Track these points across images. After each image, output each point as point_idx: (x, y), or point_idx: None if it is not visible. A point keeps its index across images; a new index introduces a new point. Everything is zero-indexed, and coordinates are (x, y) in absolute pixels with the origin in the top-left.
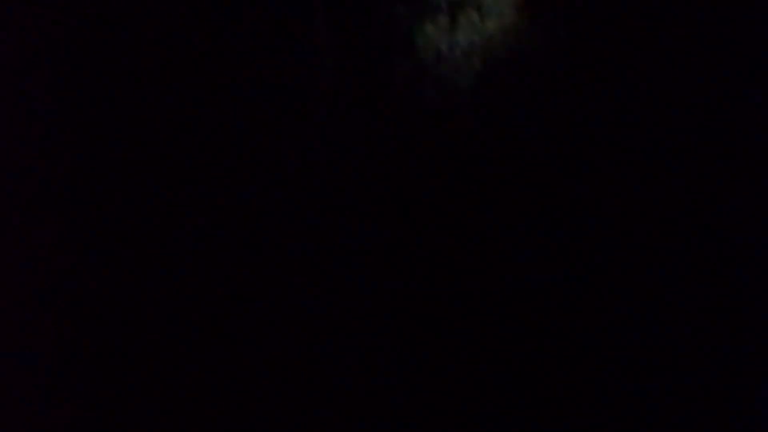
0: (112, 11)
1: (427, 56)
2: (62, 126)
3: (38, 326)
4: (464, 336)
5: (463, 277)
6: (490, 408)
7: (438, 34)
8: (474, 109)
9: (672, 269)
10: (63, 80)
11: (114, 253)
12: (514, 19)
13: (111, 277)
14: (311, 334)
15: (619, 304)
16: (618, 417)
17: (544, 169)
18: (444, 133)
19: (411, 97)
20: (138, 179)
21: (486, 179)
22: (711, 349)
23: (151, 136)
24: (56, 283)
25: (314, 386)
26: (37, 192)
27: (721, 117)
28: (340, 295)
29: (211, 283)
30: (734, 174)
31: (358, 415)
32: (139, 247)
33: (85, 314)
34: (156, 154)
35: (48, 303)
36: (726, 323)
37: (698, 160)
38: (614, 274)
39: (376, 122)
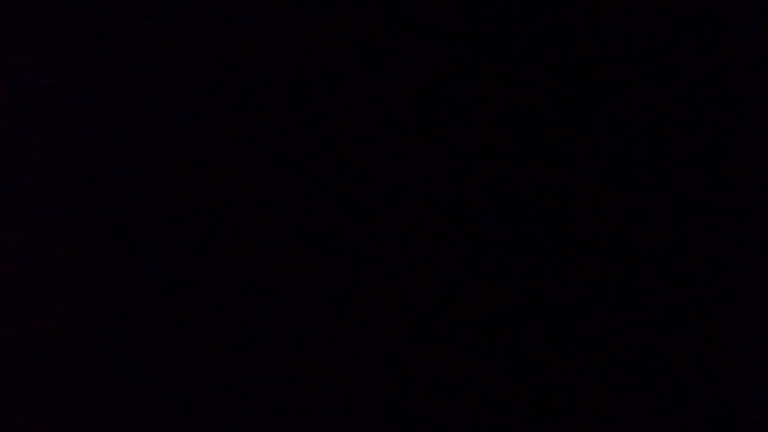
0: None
1: None
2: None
3: (38, 326)
4: (465, 336)
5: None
6: (490, 408)
7: None
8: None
9: (671, 269)
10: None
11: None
12: None
13: (111, 277)
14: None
15: (619, 305)
16: (618, 417)
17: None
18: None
19: None
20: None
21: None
22: (710, 349)
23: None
24: (56, 283)
25: (314, 386)
26: (36, 191)
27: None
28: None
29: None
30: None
31: (358, 415)
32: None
33: (85, 314)
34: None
35: (47, 302)
36: (726, 323)
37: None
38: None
39: None
